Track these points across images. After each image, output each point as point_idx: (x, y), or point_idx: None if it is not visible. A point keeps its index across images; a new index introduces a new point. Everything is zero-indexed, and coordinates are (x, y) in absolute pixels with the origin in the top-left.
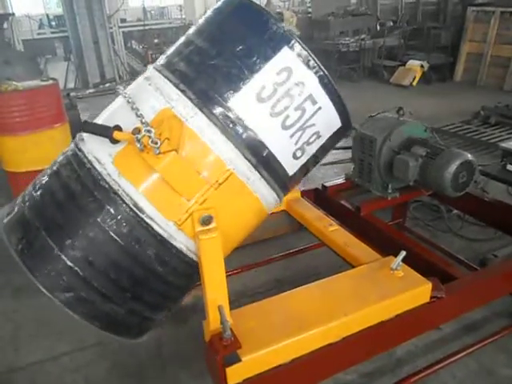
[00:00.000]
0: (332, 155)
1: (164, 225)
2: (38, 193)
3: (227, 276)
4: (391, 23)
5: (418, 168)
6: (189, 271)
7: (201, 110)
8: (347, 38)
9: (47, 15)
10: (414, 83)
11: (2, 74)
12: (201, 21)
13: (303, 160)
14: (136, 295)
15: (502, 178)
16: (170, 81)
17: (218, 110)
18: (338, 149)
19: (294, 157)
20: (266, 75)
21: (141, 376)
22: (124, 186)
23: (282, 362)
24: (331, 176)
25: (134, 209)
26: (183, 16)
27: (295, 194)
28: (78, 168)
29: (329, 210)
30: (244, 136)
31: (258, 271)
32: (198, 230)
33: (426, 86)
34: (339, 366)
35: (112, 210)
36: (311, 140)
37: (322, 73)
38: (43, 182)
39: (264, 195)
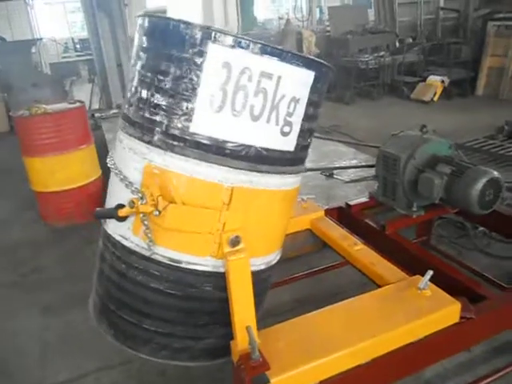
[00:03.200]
0: (354, 172)
1: (204, 261)
2: (98, 279)
3: None
4: (410, 39)
5: (443, 186)
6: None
7: (172, 151)
8: (366, 56)
9: (72, 39)
10: (435, 99)
11: (31, 96)
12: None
13: (296, 129)
14: (216, 322)
15: None
16: (135, 137)
17: (187, 143)
18: (361, 167)
19: (284, 134)
20: (208, 83)
21: None
22: (153, 249)
23: None
24: (354, 194)
25: (173, 264)
26: None
27: (319, 213)
28: (113, 249)
29: (353, 229)
30: (223, 151)
31: (282, 290)
32: (226, 251)
33: (447, 102)
34: None
35: (158, 273)
36: (291, 109)
37: (259, 45)
38: (98, 267)
39: (276, 184)
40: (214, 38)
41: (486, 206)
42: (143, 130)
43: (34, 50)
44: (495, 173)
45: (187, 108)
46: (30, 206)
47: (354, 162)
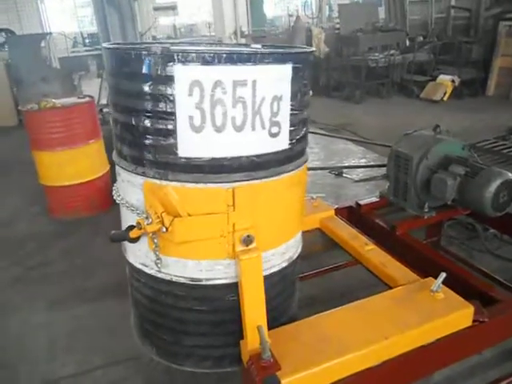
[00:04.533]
0: (364, 171)
1: (224, 274)
2: (133, 303)
3: None
4: (421, 38)
5: (456, 187)
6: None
7: (166, 179)
8: (376, 54)
9: (81, 33)
10: (445, 98)
11: (40, 90)
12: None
13: (286, 127)
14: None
15: None
16: (129, 170)
17: (178, 168)
18: (371, 166)
19: (274, 135)
20: (183, 105)
21: None
22: (173, 270)
23: None
24: (364, 193)
25: (195, 283)
26: (212, 33)
27: (329, 212)
28: (138, 276)
29: (363, 229)
30: (214, 168)
31: None
32: (238, 249)
33: (457, 102)
34: None
35: (182, 293)
36: (275, 109)
37: (225, 55)
38: (129, 291)
39: (280, 175)
40: (178, 59)
41: (499, 208)
42: (134, 162)
43: (43, 44)
44: (510, 174)
45: (170, 135)
46: (38, 200)
47: (363, 161)
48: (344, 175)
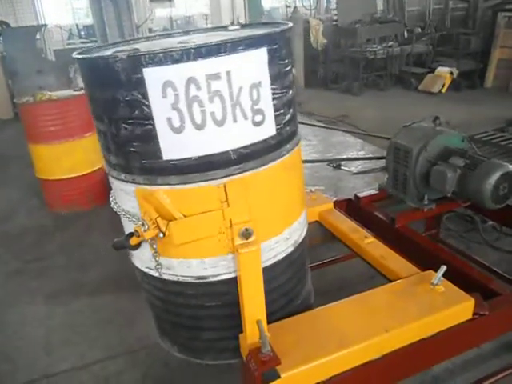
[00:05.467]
0: (362, 163)
1: (227, 269)
2: (149, 306)
3: None
4: (419, 30)
5: (456, 179)
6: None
7: (155, 183)
8: (374, 46)
9: (77, 25)
10: (443, 90)
11: (35, 83)
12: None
13: (270, 112)
14: None
15: None
16: (120, 179)
17: (165, 172)
18: (369, 159)
19: (258, 124)
20: (159, 108)
21: None
22: (178, 270)
23: (321, 380)
24: (362, 186)
25: (201, 280)
26: (209, 25)
27: (328, 204)
28: (147, 279)
29: (362, 221)
30: (201, 167)
31: None
32: (237, 243)
33: (455, 93)
34: (379, 383)
35: (192, 291)
36: (255, 97)
37: (192, 50)
38: (144, 294)
39: (272, 162)
40: (145, 61)
41: (499, 200)
42: (123, 171)
43: (38, 37)
44: (510, 166)
45: (151, 140)
46: (35, 193)
47: (361, 153)
48: (342, 167)
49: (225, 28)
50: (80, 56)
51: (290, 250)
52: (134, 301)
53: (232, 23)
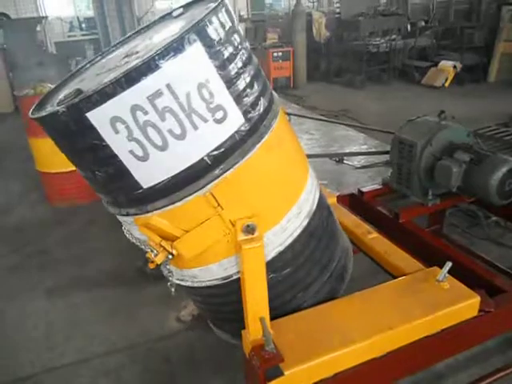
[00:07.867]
0: (365, 158)
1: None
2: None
3: None
4: (422, 23)
5: (461, 174)
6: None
7: (146, 212)
8: (377, 39)
9: (78, 18)
10: (447, 84)
11: (36, 75)
12: None
13: (231, 104)
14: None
15: None
16: (118, 214)
17: (150, 198)
18: (373, 153)
19: (221, 121)
20: (117, 144)
21: (173, 382)
22: (203, 277)
23: (325, 377)
24: (365, 180)
25: (228, 280)
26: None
27: (331, 199)
28: (182, 289)
29: (365, 216)
30: (181, 184)
31: None
32: (240, 239)
33: (458, 87)
34: (382, 381)
35: (223, 291)
36: (207, 96)
37: (123, 79)
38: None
39: (253, 150)
40: (85, 106)
41: (505, 195)
42: (116, 206)
43: (38, 29)
44: None
45: (125, 174)
46: (35, 187)
47: (364, 148)
48: (345, 162)
49: (170, 15)
50: (32, 116)
51: (306, 222)
52: (134, 295)
53: (181, 7)
